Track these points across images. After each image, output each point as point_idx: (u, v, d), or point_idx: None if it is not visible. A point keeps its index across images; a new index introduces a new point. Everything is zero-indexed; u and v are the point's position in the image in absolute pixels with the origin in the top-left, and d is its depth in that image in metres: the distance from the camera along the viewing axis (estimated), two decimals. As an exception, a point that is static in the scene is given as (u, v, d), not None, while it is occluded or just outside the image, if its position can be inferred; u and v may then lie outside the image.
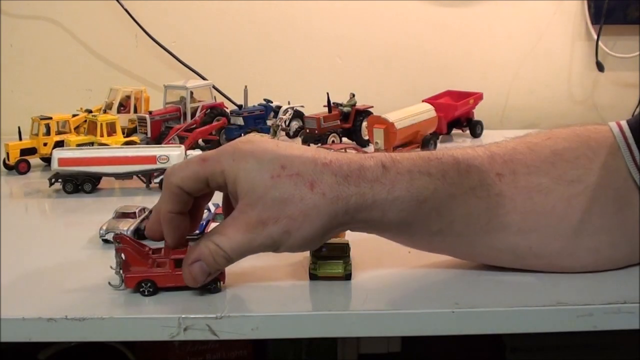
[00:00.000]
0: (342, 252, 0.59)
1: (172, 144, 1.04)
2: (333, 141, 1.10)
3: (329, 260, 0.59)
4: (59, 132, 1.05)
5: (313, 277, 0.59)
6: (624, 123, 0.60)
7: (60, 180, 0.90)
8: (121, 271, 0.56)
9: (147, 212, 0.73)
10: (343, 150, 0.99)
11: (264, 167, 0.53)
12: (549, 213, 0.58)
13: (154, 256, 0.58)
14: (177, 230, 0.56)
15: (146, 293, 0.56)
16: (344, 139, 1.13)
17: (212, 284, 0.56)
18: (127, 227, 0.69)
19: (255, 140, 0.55)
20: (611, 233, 0.58)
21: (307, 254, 0.60)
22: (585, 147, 0.59)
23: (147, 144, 1.07)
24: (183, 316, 0.52)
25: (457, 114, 1.22)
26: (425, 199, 0.55)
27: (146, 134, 1.10)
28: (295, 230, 0.53)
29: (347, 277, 0.59)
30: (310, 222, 0.53)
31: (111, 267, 0.57)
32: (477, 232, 0.58)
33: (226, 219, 0.56)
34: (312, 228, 0.53)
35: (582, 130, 0.61)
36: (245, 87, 1.17)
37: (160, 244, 0.60)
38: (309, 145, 1.10)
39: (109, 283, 0.57)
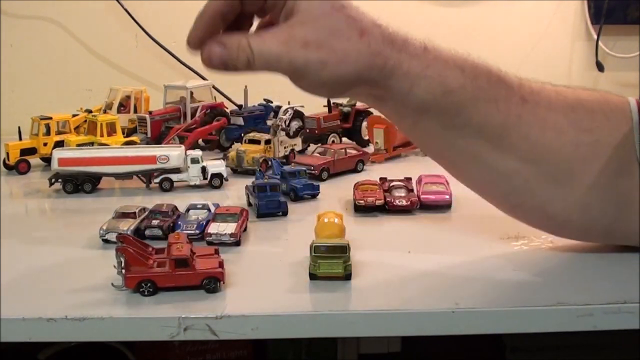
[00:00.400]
0: (342, 252, 0.59)
1: (172, 144, 1.04)
2: (333, 141, 1.10)
3: (329, 260, 0.59)
4: (59, 132, 1.05)
5: (313, 277, 0.59)
6: None
7: (60, 180, 0.90)
8: (123, 271, 0.56)
9: (147, 212, 0.73)
10: (343, 150, 1.00)
11: None
12: (556, 152, 0.59)
13: (154, 256, 0.58)
14: (210, 22, 0.56)
15: (146, 293, 0.55)
16: (344, 139, 1.13)
17: (212, 284, 0.56)
18: (127, 227, 0.69)
19: None
20: (604, 192, 0.60)
21: (307, 253, 0.60)
22: (606, 107, 0.61)
23: (147, 144, 1.07)
24: (183, 316, 0.52)
25: (457, 114, 1.21)
26: (451, 90, 0.57)
27: (146, 134, 1.10)
28: (331, 64, 0.54)
29: (347, 277, 0.59)
30: (347, 63, 0.55)
31: (114, 267, 0.57)
32: (483, 145, 0.59)
33: (270, 27, 0.56)
34: (346, 69, 0.55)
35: (605, 94, 0.63)
36: (245, 87, 1.17)
37: (163, 244, 0.60)
38: (308, 145, 1.10)
39: (112, 284, 0.57)
